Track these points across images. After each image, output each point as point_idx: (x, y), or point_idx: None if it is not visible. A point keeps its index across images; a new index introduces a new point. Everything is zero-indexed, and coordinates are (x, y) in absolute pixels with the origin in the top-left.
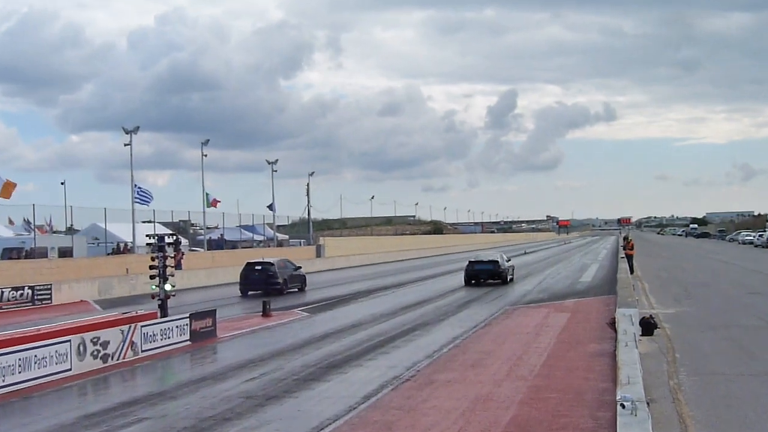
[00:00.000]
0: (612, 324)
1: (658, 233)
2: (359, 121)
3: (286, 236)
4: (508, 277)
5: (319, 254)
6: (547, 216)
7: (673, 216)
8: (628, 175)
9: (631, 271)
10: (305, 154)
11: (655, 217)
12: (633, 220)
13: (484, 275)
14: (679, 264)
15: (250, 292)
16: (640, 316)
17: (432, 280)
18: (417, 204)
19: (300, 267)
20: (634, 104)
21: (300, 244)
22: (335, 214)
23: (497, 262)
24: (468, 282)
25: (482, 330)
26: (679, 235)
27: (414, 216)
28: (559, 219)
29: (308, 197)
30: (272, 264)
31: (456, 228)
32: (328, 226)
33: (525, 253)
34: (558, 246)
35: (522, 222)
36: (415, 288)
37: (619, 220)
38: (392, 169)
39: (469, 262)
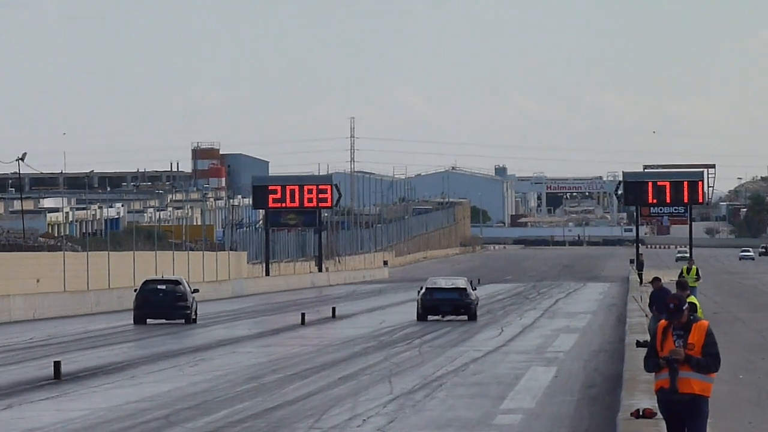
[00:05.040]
0: None
1: None
2: None
3: None
4: (476, 312)
5: None
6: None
7: None
8: None
9: None
10: None
11: None
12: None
13: (447, 306)
14: None
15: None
16: None
17: None
18: None
19: (197, 290)
20: None
21: None
22: None
23: (464, 290)
24: (424, 316)
25: None
26: None
27: None
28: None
29: None
30: (179, 282)
31: None
32: None
33: None
34: None
35: None
36: None
37: (618, 190)
38: None
39: (427, 289)
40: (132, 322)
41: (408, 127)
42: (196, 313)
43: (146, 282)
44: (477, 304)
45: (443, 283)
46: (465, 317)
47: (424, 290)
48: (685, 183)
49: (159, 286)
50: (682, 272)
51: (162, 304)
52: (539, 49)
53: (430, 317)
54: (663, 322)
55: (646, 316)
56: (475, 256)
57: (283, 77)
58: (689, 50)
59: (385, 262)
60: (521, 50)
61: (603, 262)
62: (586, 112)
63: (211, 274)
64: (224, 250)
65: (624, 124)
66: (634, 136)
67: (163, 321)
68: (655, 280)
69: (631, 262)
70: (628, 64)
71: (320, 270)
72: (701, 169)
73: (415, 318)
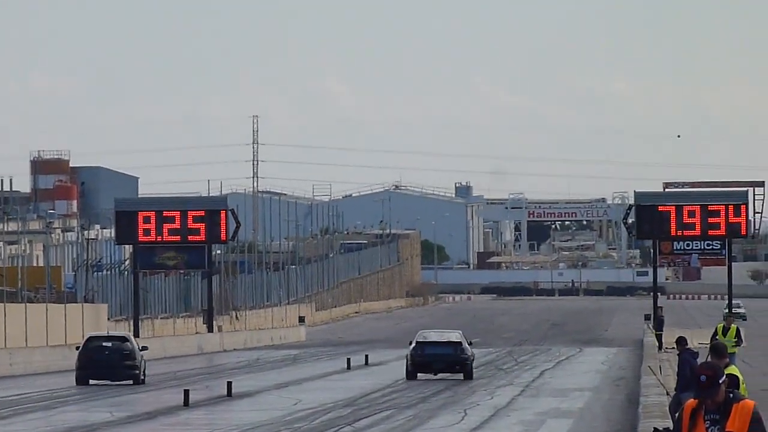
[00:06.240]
0: None
1: None
2: None
3: None
4: (473, 370)
5: None
6: None
7: None
8: None
9: None
10: None
11: None
12: None
13: (440, 363)
14: None
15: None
16: None
17: None
18: None
19: (146, 347)
20: None
21: None
22: None
23: (459, 344)
24: (413, 374)
25: None
26: None
27: None
28: None
29: None
30: (127, 339)
31: None
32: None
33: None
34: None
35: None
36: None
37: (629, 218)
38: None
39: (417, 343)
40: (74, 383)
41: (333, 130)
42: (144, 374)
43: (90, 339)
44: (473, 360)
45: (435, 336)
46: (460, 375)
47: (414, 344)
48: (723, 207)
49: (104, 344)
50: (716, 332)
51: (107, 364)
52: (516, 17)
53: (420, 375)
54: (692, 401)
55: (668, 394)
56: (429, 310)
57: (159, 60)
58: (728, 16)
59: (302, 319)
60: (490, 19)
61: (607, 319)
62: (582, 107)
63: (57, 336)
64: (76, 302)
65: (636, 123)
66: (651, 142)
67: (108, 382)
68: (680, 341)
69: (647, 318)
70: (642, 39)
71: (210, 330)
72: (745, 188)
73: (404, 377)
